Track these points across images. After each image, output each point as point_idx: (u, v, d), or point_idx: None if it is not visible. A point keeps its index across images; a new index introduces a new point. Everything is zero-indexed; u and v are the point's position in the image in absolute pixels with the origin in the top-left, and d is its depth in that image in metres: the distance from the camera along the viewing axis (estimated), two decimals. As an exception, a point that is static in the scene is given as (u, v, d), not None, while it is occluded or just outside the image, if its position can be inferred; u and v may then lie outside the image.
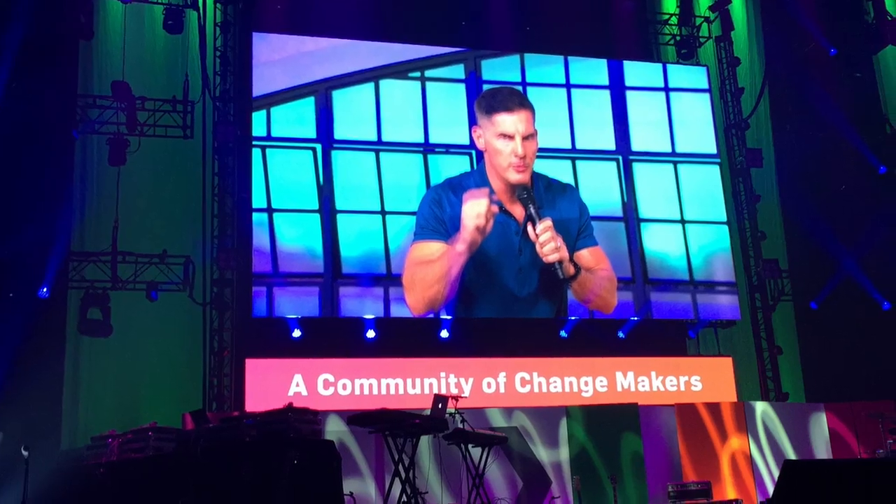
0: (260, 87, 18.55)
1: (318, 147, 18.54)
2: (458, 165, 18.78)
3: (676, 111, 20.70)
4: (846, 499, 5.81)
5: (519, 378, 18.34)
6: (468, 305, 18.16)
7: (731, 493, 16.67)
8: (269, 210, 18.05)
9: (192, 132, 19.06)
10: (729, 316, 20.34)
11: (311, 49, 19.01)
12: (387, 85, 19.18)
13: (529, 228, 16.48)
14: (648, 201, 20.01)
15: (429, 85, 19.39)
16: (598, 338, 19.51)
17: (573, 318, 19.04)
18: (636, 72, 20.81)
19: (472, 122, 18.49)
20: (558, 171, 19.02)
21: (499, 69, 19.79)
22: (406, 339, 18.67)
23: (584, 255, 17.84)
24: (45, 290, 16.85)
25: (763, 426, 17.46)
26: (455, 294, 17.73)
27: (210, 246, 18.67)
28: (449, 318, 18.52)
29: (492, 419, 16.17)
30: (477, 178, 17.59)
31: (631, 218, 19.75)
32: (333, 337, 18.49)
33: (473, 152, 18.71)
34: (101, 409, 17.28)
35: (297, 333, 18.13)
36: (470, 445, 13.63)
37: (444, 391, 17.18)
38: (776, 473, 16.19)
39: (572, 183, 19.22)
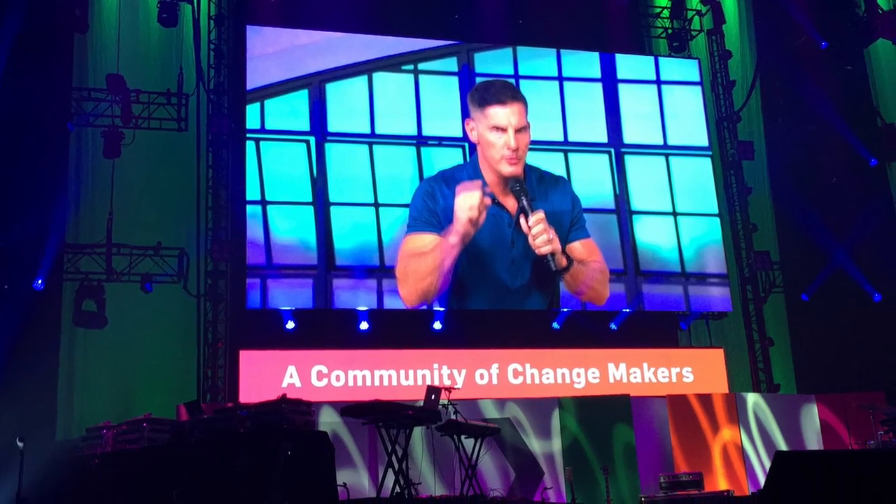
0: (254, 80, 18.61)
1: (312, 140, 18.59)
2: (451, 158, 18.83)
3: (668, 104, 20.77)
4: (837, 490, 5.81)
5: (511, 369, 18.40)
6: (461, 297, 18.24)
7: (722, 484, 16.70)
8: (263, 202, 18.09)
9: (187, 125, 19.09)
10: (720, 308, 20.40)
11: (305, 42, 19.06)
12: (380, 78, 19.23)
13: (522, 220, 16.59)
14: (640, 194, 20.06)
15: (422, 78, 19.44)
16: (590, 329, 19.56)
17: (565, 309, 19.09)
18: (628, 65, 20.87)
19: (465, 114, 18.57)
20: (551, 163, 19.10)
21: (491, 62, 19.85)
22: (399, 330, 18.73)
23: (577, 247, 17.95)
24: (40, 281, 16.90)
25: (754, 417, 17.52)
26: (448, 286, 17.82)
27: (204, 238, 18.70)
28: (442, 309, 18.58)
29: (484, 410, 16.24)
30: (470, 170, 17.69)
31: (623, 210, 19.80)
32: (327, 328, 18.55)
33: (466, 145, 18.75)
34: (96, 401, 17.31)
35: (290, 325, 18.17)
36: (463, 436, 13.68)
37: (437, 382, 17.22)
38: (767, 464, 16.32)
39: (565, 175, 19.27)
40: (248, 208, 18.06)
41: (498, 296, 18.26)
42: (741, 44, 22.67)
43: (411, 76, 19.42)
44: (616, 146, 20.06)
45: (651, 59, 21.43)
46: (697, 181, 20.51)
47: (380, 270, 18.23)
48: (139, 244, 18.29)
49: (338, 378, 17.59)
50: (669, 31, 22.54)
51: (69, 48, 18.55)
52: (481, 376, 18.22)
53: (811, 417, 17.89)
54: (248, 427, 11.08)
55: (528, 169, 17.96)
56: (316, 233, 18.15)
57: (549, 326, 19.50)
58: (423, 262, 17.40)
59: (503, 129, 17.15)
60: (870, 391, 17.63)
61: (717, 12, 22.11)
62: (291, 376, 17.36)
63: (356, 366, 17.75)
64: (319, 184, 18.41)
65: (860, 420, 16.93)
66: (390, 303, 18.12)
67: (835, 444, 17.51)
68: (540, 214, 16.62)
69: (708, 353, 19.97)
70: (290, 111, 18.68)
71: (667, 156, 20.39)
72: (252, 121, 18.43)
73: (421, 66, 19.48)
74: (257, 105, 18.49)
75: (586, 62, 20.57)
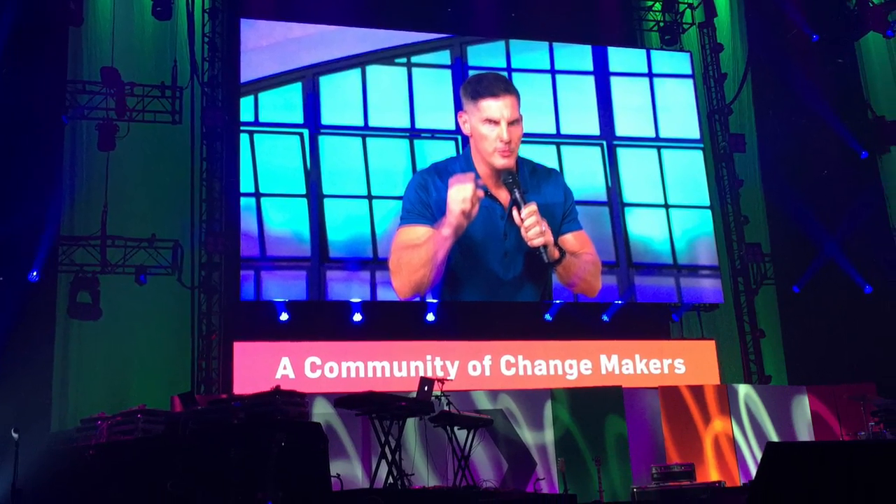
0: (248, 73, 18.64)
1: (306, 132, 18.63)
2: (443, 150, 18.89)
3: (660, 97, 20.82)
4: (828, 480, 5.82)
5: (504, 361, 18.47)
6: (454, 289, 18.29)
7: (714, 475, 16.75)
8: (257, 194, 18.14)
9: (181, 117, 19.12)
10: (712, 299, 20.47)
11: (299, 35, 19.10)
12: (373, 71, 19.27)
13: (514, 213, 16.66)
14: (632, 186, 20.13)
15: (415, 71, 19.48)
16: (582, 321, 19.62)
17: (558, 301, 19.16)
18: (620, 58, 20.92)
19: (458, 107, 18.61)
20: (543, 156, 19.16)
21: (484, 55, 19.89)
22: (392, 322, 18.79)
23: (569, 240, 18.01)
24: (35, 273, 16.94)
25: (746, 409, 17.57)
26: (441, 278, 17.88)
27: (198, 230, 18.75)
28: (435, 301, 18.64)
29: (477, 402, 16.25)
30: (462, 162, 17.75)
31: (615, 202, 19.86)
32: (320, 320, 18.62)
33: (459, 137, 18.79)
34: (91, 392, 17.36)
35: (284, 317, 18.23)
36: (456, 428, 13.77)
37: (430, 374, 17.21)
38: (759, 455, 16.41)
39: (557, 168, 19.33)
40: (242, 200, 18.09)
41: (490, 288, 18.32)
42: (733, 37, 22.71)
43: (404, 69, 19.46)
44: (608, 139, 20.12)
45: (643, 52, 21.51)
46: (689, 173, 20.58)
47: (373, 262, 18.28)
48: (134, 236, 18.33)
49: (331, 369, 17.65)
50: (661, 24, 22.59)
51: (64, 41, 18.59)
52: (474, 368, 18.29)
53: (802, 409, 17.93)
54: (241, 418, 11.14)
55: (521, 161, 18.00)
56: (309, 225, 18.20)
57: (542, 318, 19.57)
58: (416, 254, 17.46)
59: (496, 122, 17.20)
60: (860, 382, 17.65)
61: (708, 6, 22.18)
62: (285, 368, 17.42)
63: (349, 357, 17.80)
64: (313, 176, 18.45)
65: (851, 411, 16.98)
66: (383, 294, 18.17)
67: (826, 436, 17.54)
68: (532, 207, 16.68)
69: (699, 345, 20.02)
70: (284, 104, 18.72)
71: (659, 148, 20.45)
72: (246, 113, 18.46)
73: (414, 59, 19.52)
74: (251, 98, 18.53)
75: (579, 55, 20.61)
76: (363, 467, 15.24)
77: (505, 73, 19.48)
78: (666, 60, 21.44)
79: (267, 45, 18.85)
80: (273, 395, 11.17)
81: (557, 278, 18.31)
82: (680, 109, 20.93)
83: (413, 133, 19.07)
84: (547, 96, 20.00)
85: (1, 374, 15.27)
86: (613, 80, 20.57)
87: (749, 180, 21.92)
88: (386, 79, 19.38)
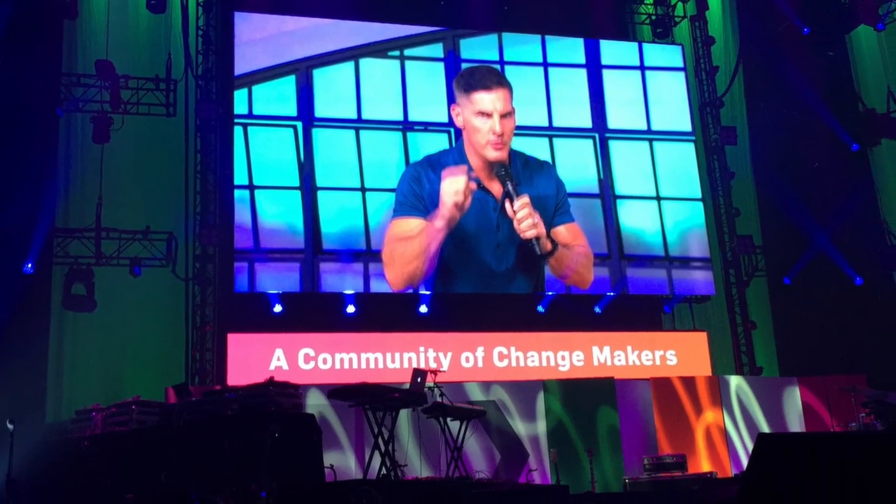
0: (241, 66, 18.69)
1: (299, 125, 18.68)
2: (436, 143, 18.93)
3: (652, 89, 20.87)
4: (819, 471, 5.81)
5: (497, 352, 18.52)
6: (447, 281, 18.35)
7: (705, 466, 16.83)
8: (251, 187, 18.19)
9: (175, 110, 19.18)
10: (703, 291, 20.53)
11: (292, 28, 19.13)
12: (367, 64, 19.32)
13: (507, 205, 16.68)
14: (624, 178, 20.19)
15: (408, 64, 19.53)
16: (574, 313, 19.67)
17: (550, 293, 19.23)
18: (612, 51, 20.96)
19: (451, 100, 18.65)
20: (536, 148, 19.21)
21: (477, 48, 19.95)
22: (385, 313, 18.83)
23: (561, 232, 18.04)
24: (29, 265, 16.99)
25: (737, 400, 17.63)
26: (434, 269, 17.92)
27: (192, 222, 18.76)
28: (428, 293, 18.69)
29: (470, 393, 16.30)
30: (455, 155, 17.78)
31: (607, 195, 19.92)
32: (314, 312, 18.67)
33: (452, 130, 18.85)
34: (86, 383, 17.40)
35: (278, 308, 18.28)
36: (448, 419, 13.84)
37: (422, 365, 17.27)
38: (750, 446, 16.49)
39: (549, 160, 19.38)
40: (236, 193, 18.14)
41: (483, 279, 18.36)
42: (724, 30, 22.75)
43: (397, 62, 19.51)
44: (600, 131, 20.17)
45: (635, 45, 21.51)
46: (681, 166, 20.63)
47: (366, 254, 18.33)
48: (128, 228, 18.37)
49: (325, 361, 17.70)
50: (653, 17, 22.62)
51: (59, 34, 18.62)
52: (467, 359, 18.34)
53: (793, 400, 17.98)
54: (235, 409, 11.20)
55: (514, 154, 18.04)
56: (303, 217, 18.25)
57: (534, 310, 19.62)
58: (409, 246, 17.50)
59: (488, 115, 17.22)
60: (851, 374, 17.69)
61: (700, -1, 22.28)
62: (279, 359, 17.47)
63: (343, 349, 17.85)
64: (306, 168, 18.51)
65: (842, 402, 17.04)
66: (377, 286, 18.22)
67: (817, 427, 17.58)
68: (525, 199, 16.70)
69: (691, 337, 20.07)
70: (278, 97, 18.77)
71: (650, 141, 20.50)
72: (240, 106, 18.51)
73: (407, 52, 19.56)
74: (245, 90, 18.58)
75: (571, 48, 20.65)
76: (356, 458, 15.31)
77: (497, 66, 19.51)
78: (658, 53, 21.48)
79: (260, 38, 18.89)
80: (267, 387, 11.23)
81: (550, 270, 18.35)
82: (672, 102, 20.98)
83: (406, 126, 19.11)
84: (539, 89, 20.05)
85: (-4, 365, 15.35)
86: (605, 73, 20.62)
87: (740, 173, 21.97)
88: (379, 72, 19.43)
